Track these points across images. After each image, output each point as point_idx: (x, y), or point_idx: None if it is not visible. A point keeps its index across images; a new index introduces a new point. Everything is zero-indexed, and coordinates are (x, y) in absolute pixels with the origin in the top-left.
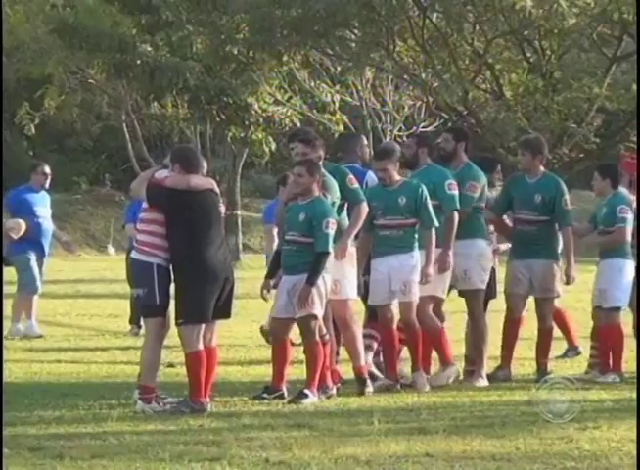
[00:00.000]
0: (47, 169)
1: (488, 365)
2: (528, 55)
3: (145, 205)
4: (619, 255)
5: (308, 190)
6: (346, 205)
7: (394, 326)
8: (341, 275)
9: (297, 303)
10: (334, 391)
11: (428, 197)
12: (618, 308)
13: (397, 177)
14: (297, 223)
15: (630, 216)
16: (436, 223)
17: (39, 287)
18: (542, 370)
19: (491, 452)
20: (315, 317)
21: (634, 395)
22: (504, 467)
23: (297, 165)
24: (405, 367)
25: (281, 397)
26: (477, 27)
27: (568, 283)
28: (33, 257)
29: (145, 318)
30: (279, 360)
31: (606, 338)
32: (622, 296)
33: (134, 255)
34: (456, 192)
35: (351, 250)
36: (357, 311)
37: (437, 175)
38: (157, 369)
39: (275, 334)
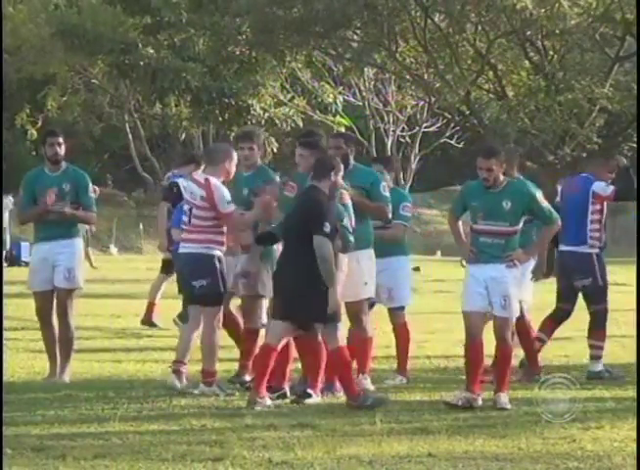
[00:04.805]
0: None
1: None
2: (531, 55)
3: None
4: (403, 252)
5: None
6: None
7: (482, 337)
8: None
9: None
10: (342, 392)
11: (537, 193)
12: (404, 307)
13: (502, 178)
14: None
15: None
16: (557, 217)
17: None
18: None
19: (494, 452)
20: None
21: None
22: (507, 467)
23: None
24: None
25: (284, 396)
26: (479, 28)
27: None
28: None
29: (205, 307)
30: (281, 359)
31: (398, 338)
32: (410, 294)
33: (194, 249)
34: (388, 194)
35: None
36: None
37: (367, 175)
38: (217, 354)
39: None
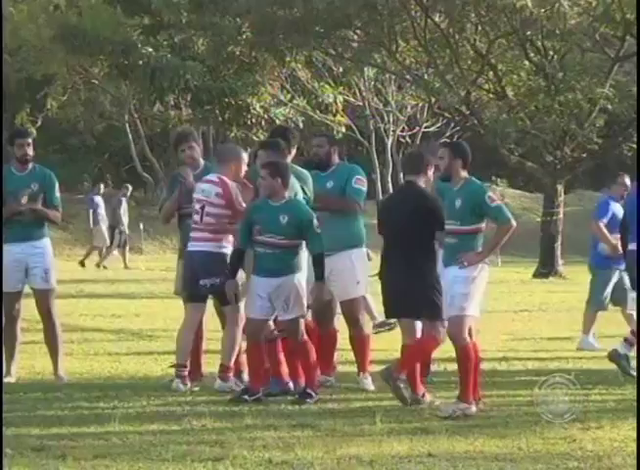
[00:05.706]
0: (627, 180)
1: None
2: (531, 55)
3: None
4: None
5: (275, 192)
6: None
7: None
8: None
9: (286, 304)
10: (332, 379)
11: (487, 193)
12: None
13: (463, 175)
14: (279, 226)
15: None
16: (513, 222)
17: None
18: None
19: (494, 452)
20: (303, 317)
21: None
22: (507, 467)
23: (262, 168)
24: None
25: (258, 399)
26: (479, 28)
27: None
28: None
29: (224, 305)
30: (254, 361)
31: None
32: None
33: (206, 247)
34: (363, 187)
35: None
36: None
37: (349, 171)
38: (236, 351)
39: (251, 334)
